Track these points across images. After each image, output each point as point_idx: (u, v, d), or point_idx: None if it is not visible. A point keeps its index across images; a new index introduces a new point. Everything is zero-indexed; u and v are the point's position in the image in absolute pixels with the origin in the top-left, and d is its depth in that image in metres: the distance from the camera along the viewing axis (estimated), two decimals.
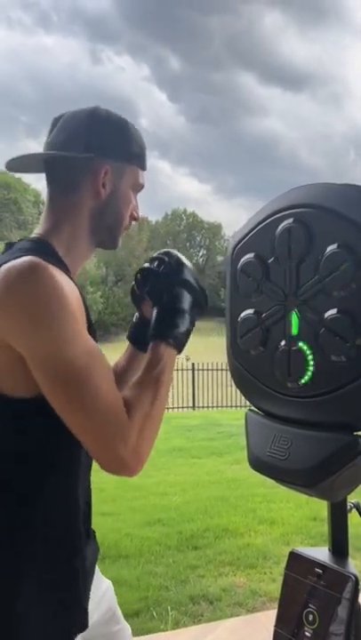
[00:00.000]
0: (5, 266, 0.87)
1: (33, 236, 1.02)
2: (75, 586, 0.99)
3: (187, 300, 1.06)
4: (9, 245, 1.00)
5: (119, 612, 1.22)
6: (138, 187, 1.11)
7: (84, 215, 1.03)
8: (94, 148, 1.01)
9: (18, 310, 0.84)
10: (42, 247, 0.97)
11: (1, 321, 0.85)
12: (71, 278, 0.94)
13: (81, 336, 0.88)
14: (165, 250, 1.13)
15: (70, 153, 1.01)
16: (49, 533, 0.96)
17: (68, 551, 0.99)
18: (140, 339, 1.27)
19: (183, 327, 1.04)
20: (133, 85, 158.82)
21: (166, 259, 1.09)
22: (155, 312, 1.06)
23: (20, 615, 0.91)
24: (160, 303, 1.06)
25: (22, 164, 1.06)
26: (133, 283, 1.22)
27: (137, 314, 1.30)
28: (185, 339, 1.05)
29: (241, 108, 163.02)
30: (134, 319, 1.31)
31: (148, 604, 2.74)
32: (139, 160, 1.09)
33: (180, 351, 1.04)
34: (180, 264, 1.08)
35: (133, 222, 1.13)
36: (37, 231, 1.03)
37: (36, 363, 0.86)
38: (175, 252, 1.11)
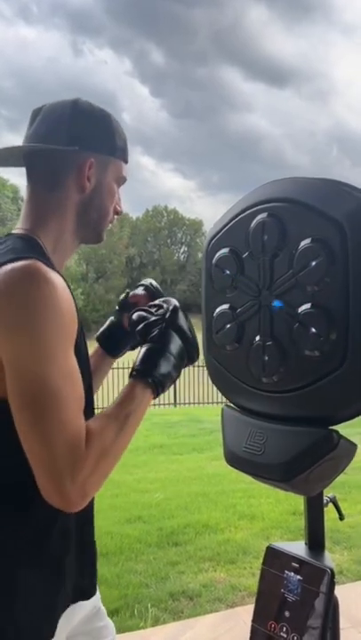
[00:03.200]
0: (6, 267, 0.84)
1: (19, 231, 0.99)
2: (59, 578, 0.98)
3: (176, 346, 1.03)
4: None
5: (103, 609, 1.22)
6: (121, 180, 1.09)
7: (69, 210, 1.01)
8: (78, 140, 0.98)
9: (10, 314, 0.82)
10: (33, 246, 0.94)
11: None
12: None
13: (63, 356, 0.85)
14: (165, 298, 1.12)
15: (54, 145, 0.98)
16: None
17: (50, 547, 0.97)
18: (110, 343, 1.27)
19: (166, 370, 1.00)
20: (116, 79, 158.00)
21: (165, 305, 1.08)
22: (142, 349, 1.02)
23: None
24: (149, 341, 1.03)
25: (1, 157, 1.03)
26: (119, 302, 1.24)
27: (113, 318, 1.28)
28: (167, 383, 1.01)
29: (225, 104, 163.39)
30: (108, 322, 1.29)
31: (127, 601, 2.73)
32: (122, 153, 1.07)
33: (157, 395, 1.00)
34: (177, 311, 1.06)
35: (115, 217, 1.11)
36: (22, 226, 1.00)
37: (10, 371, 0.83)
38: (174, 300, 1.10)
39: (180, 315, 1.06)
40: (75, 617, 1.07)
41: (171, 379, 1.02)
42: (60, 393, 0.82)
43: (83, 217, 1.03)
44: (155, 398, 1.00)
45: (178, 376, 1.04)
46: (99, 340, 1.29)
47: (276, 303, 1.08)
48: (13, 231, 1.00)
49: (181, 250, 65.33)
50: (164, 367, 1.00)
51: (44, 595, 0.95)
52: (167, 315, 1.05)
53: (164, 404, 12.07)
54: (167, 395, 12.34)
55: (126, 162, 1.10)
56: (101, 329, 1.30)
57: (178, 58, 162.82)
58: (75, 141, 0.98)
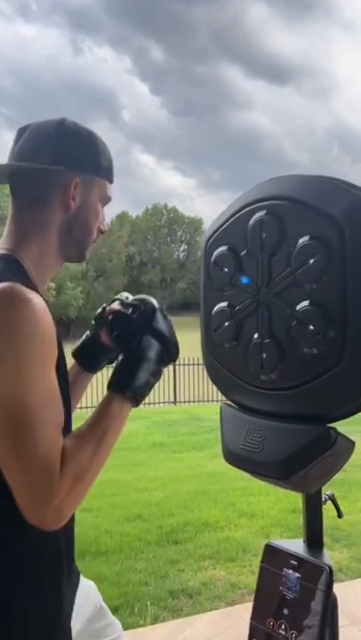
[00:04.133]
0: None
1: (1, 251, 0.98)
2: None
3: (154, 350, 1.01)
4: None
5: (106, 607, 1.22)
6: (106, 200, 1.09)
7: (52, 229, 1.01)
8: (64, 160, 0.99)
9: None
10: (14, 267, 0.94)
11: None
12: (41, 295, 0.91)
13: (43, 378, 0.85)
14: (141, 296, 1.10)
15: (39, 165, 0.98)
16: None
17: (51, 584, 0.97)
18: (86, 358, 1.25)
19: (143, 380, 0.99)
20: (116, 77, 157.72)
21: (142, 306, 1.06)
22: (119, 360, 1.01)
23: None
24: (126, 351, 1.02)
25: None
26: (95, 317, 1.21)
27: (88, 333, 1.26)
28: (145, 392, 1.00)
29: (226, 102, 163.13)
30: (84, 337, 1.26)
31: (127, 599, 2.74)
32: (107, 173, 1.07)
33: (136, 405, 0.99)
34: (154, 312, 1.05)
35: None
36: (4, 246, 1.00)
37: None
38: (151, 299, 1.08)
39: (159, 316, 1.05)
40: (77, 621, 1.08)
41: (149, 387, 1.01)
42: (39, 417, 0.83)
43: (66, 236, 1.03)
44: (138, 405, 1.00)
45: (157, 379, 1.03)
46: (75, 355, 1.25)
47: (275, 301, 1.07)
48: None
49: (181, 248, 65.35)
50: (143, 377, 0.99)
51: (46, 617, 0.95)
52: (144, 319, 1.04)
53: (163, 403, 12.08)
54: (167, 393, 12.35)
55: (111, 182, 1.09)
56: (77, 344, 1.26)
57: (178, 55, 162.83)
58: (60, 161, 0.98)
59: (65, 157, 0.99)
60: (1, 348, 0.81)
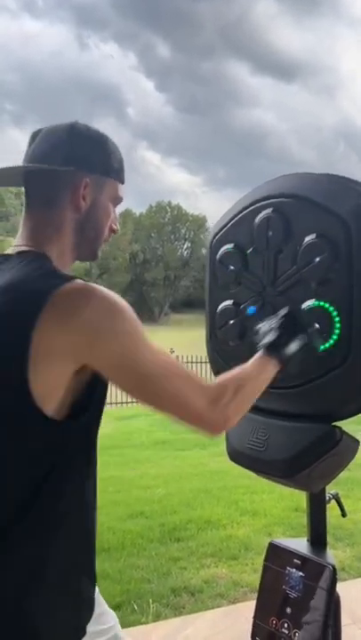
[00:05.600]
0: (65, 287, 0.89)
1: (29, 248, 1.02)
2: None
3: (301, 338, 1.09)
4: (3, 257, 1.00)
5: (101, 597, 1.23)
6: (117, 200, 1.12)
7: (67, 229, 1.04)
8: (74, 161, 1.02)
9: (97, 324, 0.88)
10: (51, 265, 0.98)
11: (74, 337, 0.87)
12: None
13: (147, 339, 0.94)
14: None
15: (49, 166, 1.01)
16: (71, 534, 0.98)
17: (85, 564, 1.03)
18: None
19: (294, 349, 1.06)
20: (121, 73, 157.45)
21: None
22: (277, 322, 1.08)
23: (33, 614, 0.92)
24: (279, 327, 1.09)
25: (1, 176, 1.07)
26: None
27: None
28: (293, 357, 1.07)
29: (232, 99, 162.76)
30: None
31: (129, 596, 2.73)
32: (117, 174, 1.10)
33: (281, 368, 1.07)
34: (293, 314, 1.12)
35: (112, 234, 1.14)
36: (27, 242, 1.03)
37: (117, 367, 0.91)
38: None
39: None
40: None
41: (295, 355, 1.07)
42: (172, 362, 0.96)
43: (80, 235, 1.06)
44: (281, 370, 1.07)
45: (298, 355, 1.09)
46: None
47: (280, 299, 1.07)
48: (22, 247, 1.03)
49: (185, 246, 65.26)
50: (291, 347, 1.07)
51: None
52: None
53: None
54: None
55: (122, 182, 1.13)
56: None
57: (184, 52, 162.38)
58: (70, 162, 1.02)
59: (75, 159, 1.02)
60: (108, 331, 0.89)
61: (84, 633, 1.01)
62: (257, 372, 1.04)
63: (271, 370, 1.05)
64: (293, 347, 1.07)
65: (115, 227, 1.12)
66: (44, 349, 0.85)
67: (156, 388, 0.94)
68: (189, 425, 0.98)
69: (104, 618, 1.21)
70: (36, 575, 0.93)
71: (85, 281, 0.91)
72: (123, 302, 0.92)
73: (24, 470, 0.90)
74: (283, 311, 1.12)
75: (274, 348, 1.07)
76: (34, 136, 1.07)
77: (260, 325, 1.11)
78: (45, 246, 1.02)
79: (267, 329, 1.10)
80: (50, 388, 0.88)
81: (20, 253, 1.00)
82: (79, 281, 0.91)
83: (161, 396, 0.96)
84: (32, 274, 0.93)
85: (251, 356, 1.13)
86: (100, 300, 0.89)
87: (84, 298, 0.88)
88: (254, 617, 1.25)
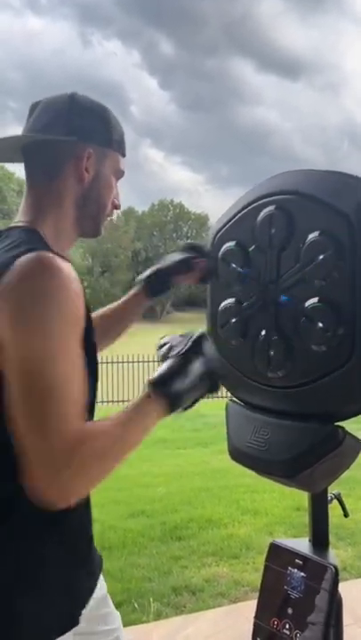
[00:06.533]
0: (21, 260, 0.83)
1: (20, 224, 0.98)
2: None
3: (198, 368, 0.98)
4: None
5: (108, 597, 1.22)
6: (119, 173, 1.09)
7: (68, 202, 1.01)
8: (77, 131, 0.99)
9: (26, 304, 0.81)
10: (38, 238, 0.94)
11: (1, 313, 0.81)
12: None
13: (70, 351, 0.84)
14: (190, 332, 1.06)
15: (52, 136, 0.98)
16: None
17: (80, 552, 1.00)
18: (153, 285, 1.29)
19: (182, 387, 0.95)
20: (125, 71, 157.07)
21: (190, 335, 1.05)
22: (163, 364, 0.99)
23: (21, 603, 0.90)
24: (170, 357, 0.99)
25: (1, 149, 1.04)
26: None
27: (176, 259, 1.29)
28: (183, 398, 0.97)
29: (235, 96, 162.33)
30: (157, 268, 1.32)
31: (130, 595, 2.73)
32: (119, 146, 1.07)
33: (172, 410, 0.97)
34: (201, 338, 1.03)
35: (118, 212, 1.11)
36: (22, 218, 1.00)
37: (16, 363, 0.81)
38: (200, 330, 1.07)
39: (206, 342, 1.02)
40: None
41: (188, 395, 0.97)
42: (62, 389, 0.82)
43: (82, 209, 1.03)
44: (171, 413, 0.97)
45: (197, 397, 0.99)
46: (143, 280, 1.31)
47: (283, 298, 1.06)
48: (14, 224, 1.00)
49: None
50: (180, 384, 0.96)
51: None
52: (191, 339, 1.02)
53: None
54: None
55: (124, 155, 1.10)
56: (149, 271, 1.32)
57: (187, 49, 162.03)
58: (73, 132, 0.99)
59: (77, 129, 0.99)
60: (30, 317, 0.81)
61: (75, 623, 0.98)
62: (140, 419, 0.93)
63: (157, 414, 0.95)
64: (180, 383, 0.95)
65: (117, 202, 1.09)
66: None
67: (33, 405, 0.81)
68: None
69: (110, 618, 1.20)
70: (24, 574, 0.91)
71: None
72: (65, 292, 0.83)
73: (5, 469, 0.87)
74: (195, 334, 1.01)
75: (155, 387, 0.94)
76: (33, 108, 1.03)
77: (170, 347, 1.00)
78: (41, 221, 0.98)
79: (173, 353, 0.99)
80: None
81: (9, 229, 0.97)
82: (36, 253, 0.84)
83: (33, 425, 0.81)
84: (3, 248, 0.89)
85: (251, 355, 1.12)
86: (43, 277, 0.82)
87: (27, 270, 0.83)
88: (255, 617, 1.24)
